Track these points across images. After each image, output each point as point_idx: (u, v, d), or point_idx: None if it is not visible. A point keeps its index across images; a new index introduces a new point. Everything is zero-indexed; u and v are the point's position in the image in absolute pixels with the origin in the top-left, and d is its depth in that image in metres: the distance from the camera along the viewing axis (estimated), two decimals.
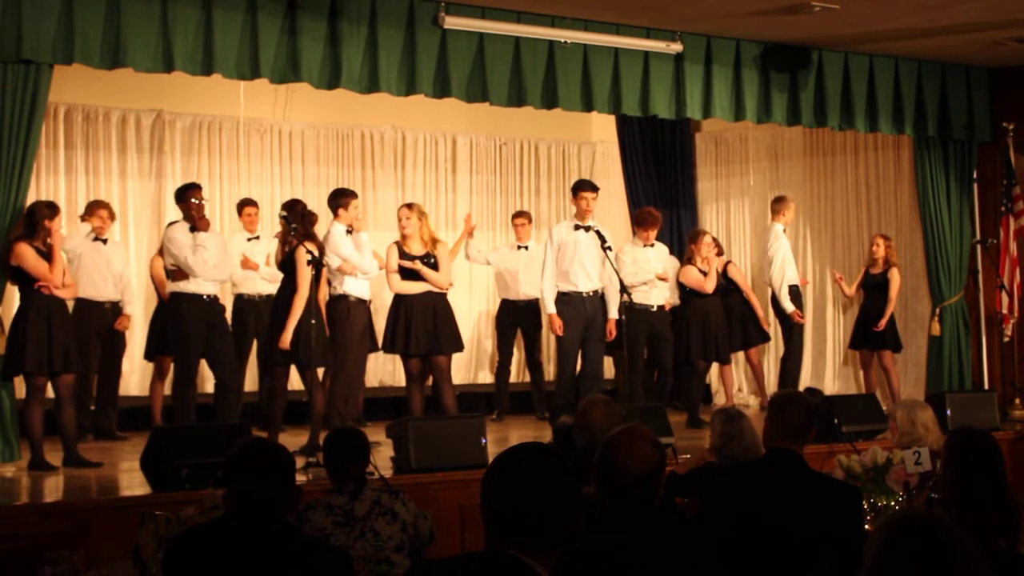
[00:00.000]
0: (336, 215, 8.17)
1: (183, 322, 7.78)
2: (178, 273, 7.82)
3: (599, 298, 8.67)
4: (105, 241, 8.78)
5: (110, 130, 10.51)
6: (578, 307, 8.64)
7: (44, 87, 6.94)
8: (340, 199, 8.19)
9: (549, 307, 8.68)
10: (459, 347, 8.45)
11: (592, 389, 8.52)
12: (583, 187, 8.80)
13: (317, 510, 4.62)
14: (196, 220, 7.78)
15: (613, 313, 8.62)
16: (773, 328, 10.79)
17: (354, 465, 4.73)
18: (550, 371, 10.54)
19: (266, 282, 9.40)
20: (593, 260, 8.63)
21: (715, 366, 10.46)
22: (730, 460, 5.08)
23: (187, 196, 7.82)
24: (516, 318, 10.36)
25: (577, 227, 8.70)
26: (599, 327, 8.67)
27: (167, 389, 8.78)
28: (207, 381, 9.13)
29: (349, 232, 8.15)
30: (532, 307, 10.33)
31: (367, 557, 4.54)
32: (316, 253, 7.49)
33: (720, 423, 5.27)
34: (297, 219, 7.67)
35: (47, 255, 7.11)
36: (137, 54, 7.01)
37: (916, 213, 10.61)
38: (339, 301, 8.23)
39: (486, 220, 12.13)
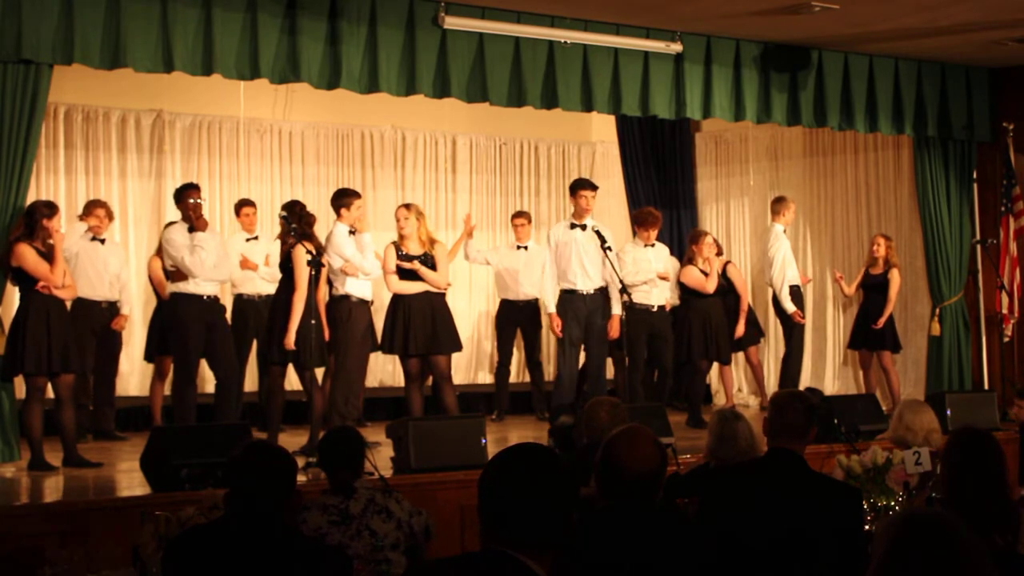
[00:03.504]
0: (339, 215, 8.15)
1: (183, 322, 7.77)
2: (178, 274, 7.81)
3: (600, 296, 8.67)
4: (103, 241, 8.76)
5: (110, 130, 10.50)
6: (577, 306, 8.67)
7: (44, 87, 6.94)
8: (343, 199, 8.18)
9: (550, 307, 8.71)
10: (457, 347, 8.44)
11: (596, 386, 8.54)
12: (582, 186, 8.82)
13: (312, 510, 4.60)
14: (194, 220, 7.77)
15: (616, 310, 8.62)
16: (772, 328, 10.78)
17: (347, 472, 4.73)
18: (550, 371, 10.54)
19: (266, 282, 9.39)
20: (591, 259, 8.63)
21: (715, 366, 10.46)
22: (722, 462, 5.07)
23: (185, 196, 7.81)
24: (516, 318, 10.35)
25: (573, 226, 8.72)
26: (599, 326, 8.67)
27: (167, 389, 8.78)
28: (207, 381, 9.12)
29: (352, 233, 8.15)
30: (532, 307, 10.32)
31: (366, 556, 4.54)
32: (315, 253, 7.49)
33: (714, 424, 5.27)
34: (296, 219, 7.67)
35: (47, 255, 7.10)
36: (137, 54, 7.01)
37: (916, 213, 10.61)
38: (341, 301, 8.22)
39: (486, 220, 12.12)
